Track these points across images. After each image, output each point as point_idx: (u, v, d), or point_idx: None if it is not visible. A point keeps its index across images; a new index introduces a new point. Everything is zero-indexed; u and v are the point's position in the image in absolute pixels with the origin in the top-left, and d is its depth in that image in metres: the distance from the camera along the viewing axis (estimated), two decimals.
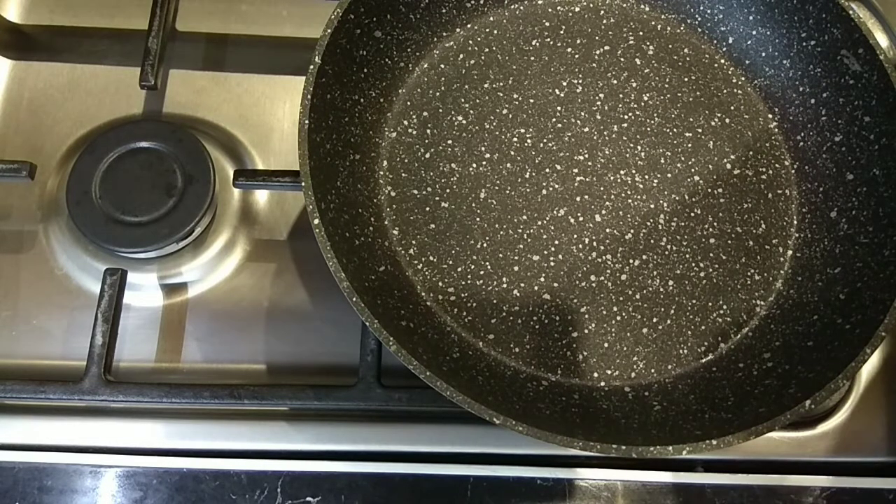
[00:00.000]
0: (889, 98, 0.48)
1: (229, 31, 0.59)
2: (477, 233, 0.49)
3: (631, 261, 0.49)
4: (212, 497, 0.45)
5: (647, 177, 0.51)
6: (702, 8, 0.55)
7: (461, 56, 0.53)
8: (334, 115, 0.47)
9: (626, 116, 0.52)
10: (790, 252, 0.50)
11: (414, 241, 0.48)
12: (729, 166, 0.52)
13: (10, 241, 0.52)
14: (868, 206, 0.48)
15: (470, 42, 0.53)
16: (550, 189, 0.50)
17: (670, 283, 0.49)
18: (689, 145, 0.52)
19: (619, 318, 0.48)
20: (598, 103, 0.53)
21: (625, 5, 0.55)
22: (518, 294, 0.48)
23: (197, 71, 0.57)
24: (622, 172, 0.51)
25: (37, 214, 0.53)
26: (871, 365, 0.52)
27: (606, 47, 0.54)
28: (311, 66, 0.45)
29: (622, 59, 0.54)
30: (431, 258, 0.48)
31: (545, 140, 0.51)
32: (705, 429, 0.42)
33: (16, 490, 0.45)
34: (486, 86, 0.52)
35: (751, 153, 0.52)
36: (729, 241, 0.50)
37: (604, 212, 0.50)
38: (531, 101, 0.52)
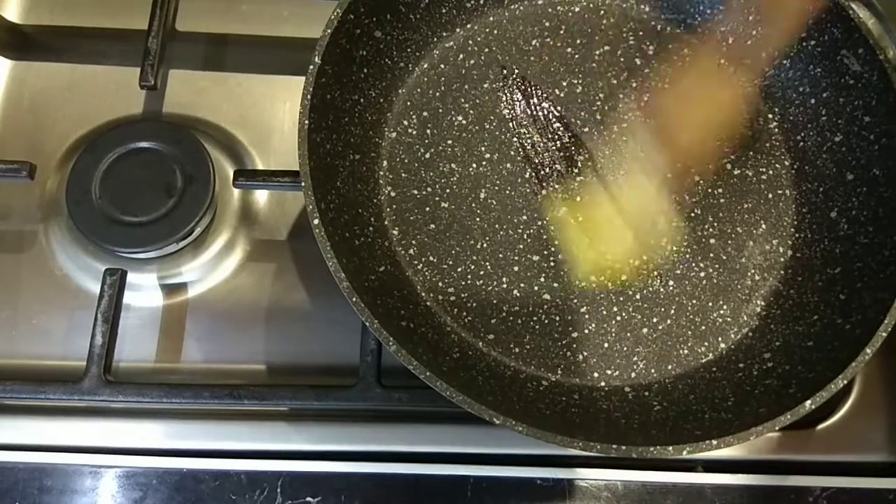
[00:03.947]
0: (889, 98, 0.48)
1: (229, 31, 0.59)
2: (477, 233, 0.49)
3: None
4: (212, 497, 0.45)
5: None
6: (702, 8, 0.54)
7: (461, 56, 0.53)
8: (334, 115, 0.47)
9: (626, 116, 0.52)
10: (790, 252, 0.50)
11: (414, 241, 0.48)
12: (729, 166, 0.52)
13: (10, 241, 0.52)
14: (868, 206, 0.48)
15: (470, 42, 0.53)
16: (550, 189, 0.50)
17: (670, 283, 0.49)
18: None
19: (619, 318, 0.48)
20: (598, 103, 0.53)
21: (625, 5, 0.55)
22: (518, 294, 0.48)
23: (197, 71, 0.57)
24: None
25: (37, 214, 0.53)
26: (871, 365, 0.52)
27: (606, 47, 0.54)
28: (311, 66, 0.45)
29: (622, 59, 0.54)
30: (431, 258, 0.48)
31: (545, 140, 0.51)
32: (705, 429, 0.42)
33: (16, 490, 0.45)
34: (486, 86, 0.52)
35: (751, 153, 0.52)
36: (729, 241, 0.50)
37: None
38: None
